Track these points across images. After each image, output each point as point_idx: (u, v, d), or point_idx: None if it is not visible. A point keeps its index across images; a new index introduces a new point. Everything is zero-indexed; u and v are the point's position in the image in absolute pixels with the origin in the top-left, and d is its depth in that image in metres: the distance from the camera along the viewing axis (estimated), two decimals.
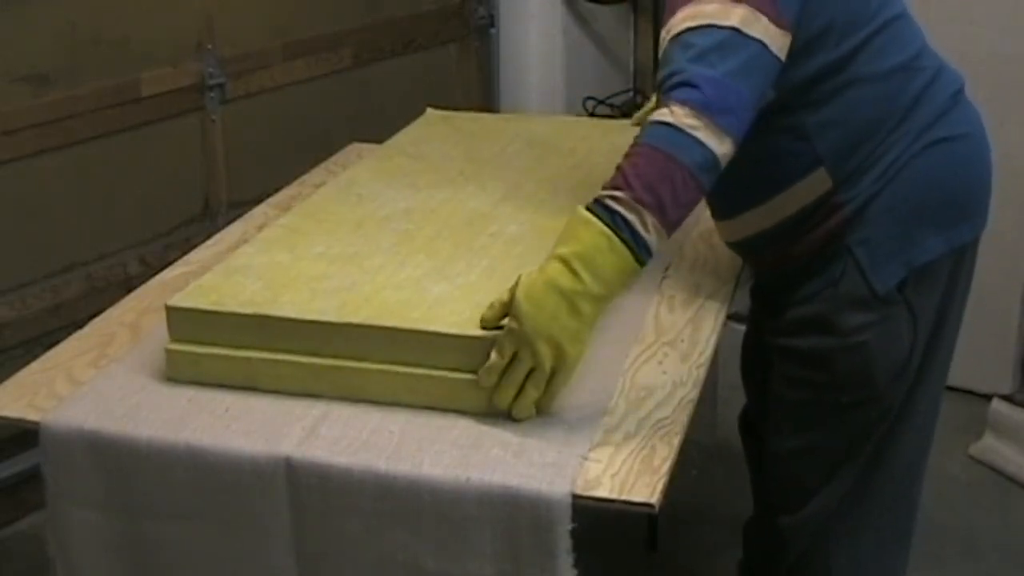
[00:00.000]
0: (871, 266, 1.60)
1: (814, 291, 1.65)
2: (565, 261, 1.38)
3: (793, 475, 1.77)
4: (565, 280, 1.38)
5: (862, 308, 1.61)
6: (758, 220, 1.67)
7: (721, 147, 1.42)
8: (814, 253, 1.63)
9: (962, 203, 1.68)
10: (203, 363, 1.57)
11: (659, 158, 1.40)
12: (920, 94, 1.61)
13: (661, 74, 1.46)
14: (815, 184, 1.61)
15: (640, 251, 1.39)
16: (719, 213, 1.76)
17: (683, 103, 1.41)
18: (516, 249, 1.74)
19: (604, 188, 1.41)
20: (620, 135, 2.25)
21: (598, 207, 1.40)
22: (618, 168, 1.42)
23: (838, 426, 1.70)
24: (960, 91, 1.68)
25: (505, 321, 1.40)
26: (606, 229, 1.38)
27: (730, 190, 1.60)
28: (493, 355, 1.41)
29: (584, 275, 1.38)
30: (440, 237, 1.80)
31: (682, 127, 1.40)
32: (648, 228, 1.39)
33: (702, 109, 1.40)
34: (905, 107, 1.60)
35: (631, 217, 1.39)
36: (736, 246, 1.78)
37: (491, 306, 1.43)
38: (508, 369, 1.41)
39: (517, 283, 1.41)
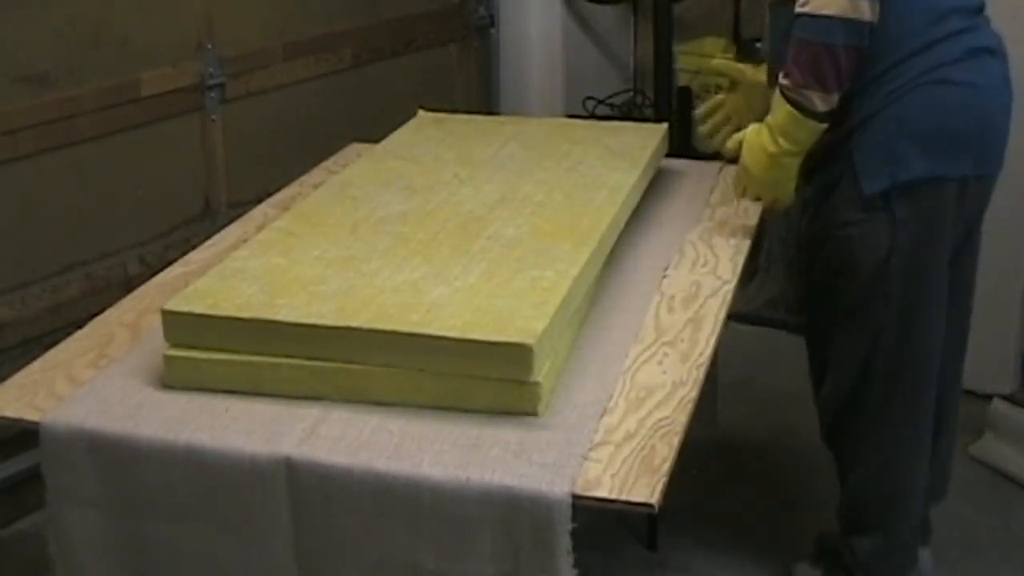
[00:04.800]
0: (863, 172, 1.91)
1: (820, 185, 1.98)
2: (769, 128, 1.91)
3: (815, 354, 2.13)
4: (770, 146, 1.91)
5: (851, 207, 1.93)
6: None
7: (857, 13, 1.78)
8: (825, 154, 1.94)
9: (953, 139, 1.90)
10: (202, 368, 1.57)
11: (793, 44, 1.83)
12: (938, 40, 1.87)
13: None
14: None
15: (816, 117, 1.85)
16: None
17: None
18: (514, 252, 1.74)
19: (781, 74, 1.86)
20: (614, 137, 2.25)
21: (780, 88, 1.86)
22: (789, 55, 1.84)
23: (840, 311, 2.01)
24: (984, 50, 1.92)
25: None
26: (787, 106, 1.86)
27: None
28: (736, 187, 2.04)
29: (782, 142, 1.89)
30: (437, 240, 1.80)
31: (818, 14, 1.79)
32: (812, 100, 1.83)
33: None
34: (922, 45, 1.86)
35: (798, 98, 1.84)
36: None
37: (735, 139, 2.00)
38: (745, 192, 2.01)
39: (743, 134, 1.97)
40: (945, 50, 1.87)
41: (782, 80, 1.86)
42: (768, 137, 1.91)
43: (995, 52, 1.93)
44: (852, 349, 2.03)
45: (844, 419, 2.10)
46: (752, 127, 1.97)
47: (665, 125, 2.33)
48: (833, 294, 2.02)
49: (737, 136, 2.02)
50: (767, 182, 1.96)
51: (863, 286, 1.96)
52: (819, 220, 2.00)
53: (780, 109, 1.88)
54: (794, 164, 1.92)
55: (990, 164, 1.97)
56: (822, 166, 1.96)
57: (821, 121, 1.86)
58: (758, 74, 2.25)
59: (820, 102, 1.84)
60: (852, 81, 1.84)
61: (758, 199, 2.04)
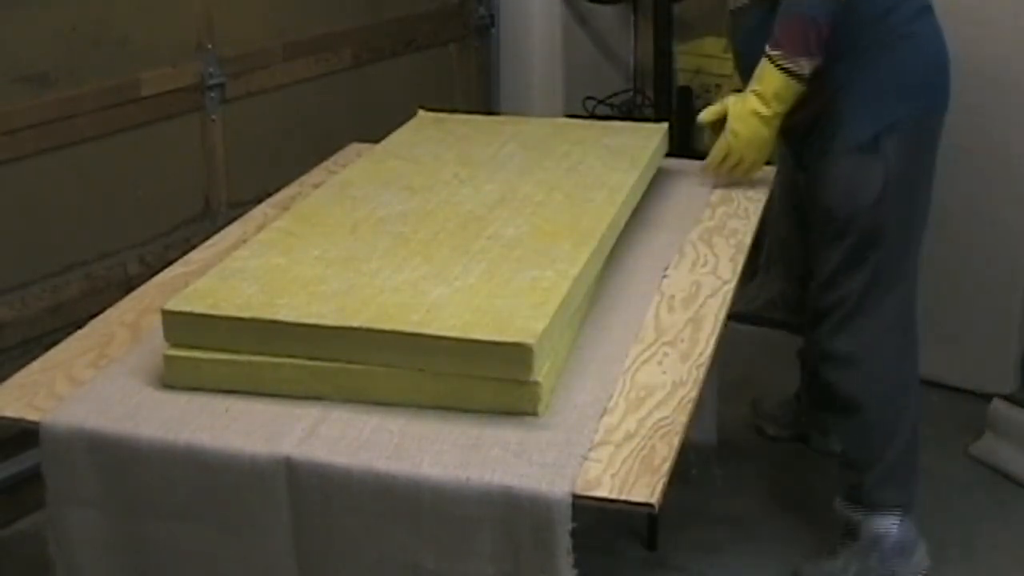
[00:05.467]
0: (854, 123, 2.20)
1: (817, 138, 2.23)
2: (761, 97, 2.14)
3: (824, 271, 2.30)
4: (763, 109, 2.15)
5: (847, 156, 2.20)
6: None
7: None
8: (817, 112, 2.19)
9: (923, 82, 2.26)
10: (202, 368, 1.57)
11: (786, 18, 2.11)
12: (896, 5, 2.21)
13: None
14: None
15: (802, 80, 2.12)
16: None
17: None
18: (515, 252, 1.74)
19: (770, 48, 2.12)
20: (614, 137, 2.25)
21: (770, 61, 2.12)
22: (773, 31, 2.12)
23: (842, 238, 2.25)
24: (928, 8, 2.26)
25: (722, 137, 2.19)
26: (780, 73, 2.12)
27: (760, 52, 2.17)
28: (715, 156, 2.22)
29: (774, 104, 2.14)
30: (437, 240, 1.80)
31: None
32: (801, 65, 2.11)
33: None
34: (883, 10, 2.19)
35: (791, 66, 2.11)
36: None
37: (711, 108, 2.23)
38: (722, 164, 2.22)
39: (728, 102, 2.19)
40: (903, 11, 2.21)
41: (773, 51, 2.12)
42: (758, 102, 2.15)
43: (932, 9, 2.28)
44: (851, 275, 2.27)
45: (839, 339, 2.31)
46: (732, 98, 2.19)
47: (665, 125, 2.33)
48: (835, 238, 2.26)
49: (713, 108, 2.23)
50: (756, 144, 2.19)
51: (862, 225, 2.22)
52: (813, 175, 2.27)
53: (771, 77, 2.13)
54: (778, 124, 2.18)
55: (946, 100, 2.31)
56: (814, 126, 2.21)
57: (806, 84, 2.14)
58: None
59: (807, 67, 2.12)
60: (827, 48, 2.13)
61: (734, 168, 2.23)
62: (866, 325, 2.28)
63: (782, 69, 2.12)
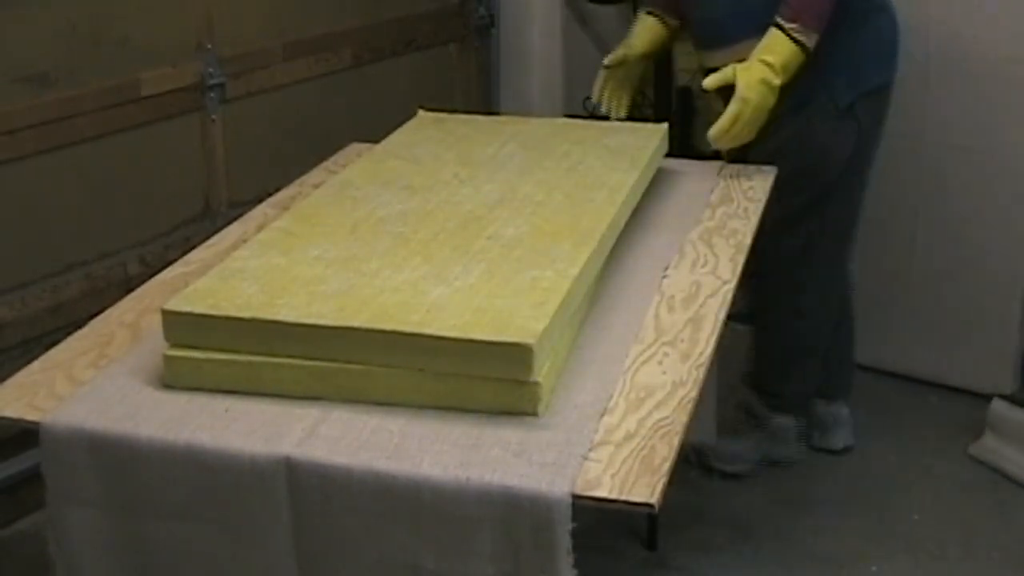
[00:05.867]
0: (835, 88, 2.38)
1: (792, 103, 2.33)
2: (771, 66, 2.23)
3: (774, 224, 2.35)
4: (775, 79, 2.24)
5: (825, 118, 2.40)
6: (745, 49, 2.32)
7: None
8: (797, 77, 2.29)
9: (890, 51, 2.48)
10: (202, 368, 1.56)
11: None
12: None
13: None
14: None
15: (808, 52, 2.25)
16: (727, 40, 2.41)
17: None
18: (515, 252, 1.74)
19: (784, 19, 2.24)
20: (614, 137, 2.25)
21: (784, 32, 2.24)
22: (788, 3, 2.25)
23: (804, 190, 2.47)
24: None
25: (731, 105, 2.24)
26: (794, 45, 2.24)
27: (740, 21, 2.34)
28: (724, 123, 2.24)
29: (782, 75, 2.24)
30: (437, 240, 1.79)
31: None
32: (812, 38, 2.25)
33: None
34: None
35: (803, 38, 2.24)
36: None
37: (717, 75, 2.28)
38: (728, 131, 2.25)
39: (737, 70, 2.25)
40: None
41: (789, 24, 2.24)
42: (769, 71, 2.23)
43: None
44: (804, 220, 2.51)
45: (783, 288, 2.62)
46: (737, 67, 2.25)
47: (665, 125, 2.33)
48: (798, 189, 2.44)
49: (717, 76, 2.29)
50: (762, 111, 2.26)
51: (829, 181, 2.44)
52: (789, 131, 2.38)
53: (784, 47, 2.24)
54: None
55: (897, 60, 2.53)
56: (792, 88, 2.31)
57: (809, 56, 2.27)
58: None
59: (816, 39, 2.25)
60: None
61: (739, 134, 2.29)
62: (807, 274, 2.56)
63: (795, 41, 2.23)
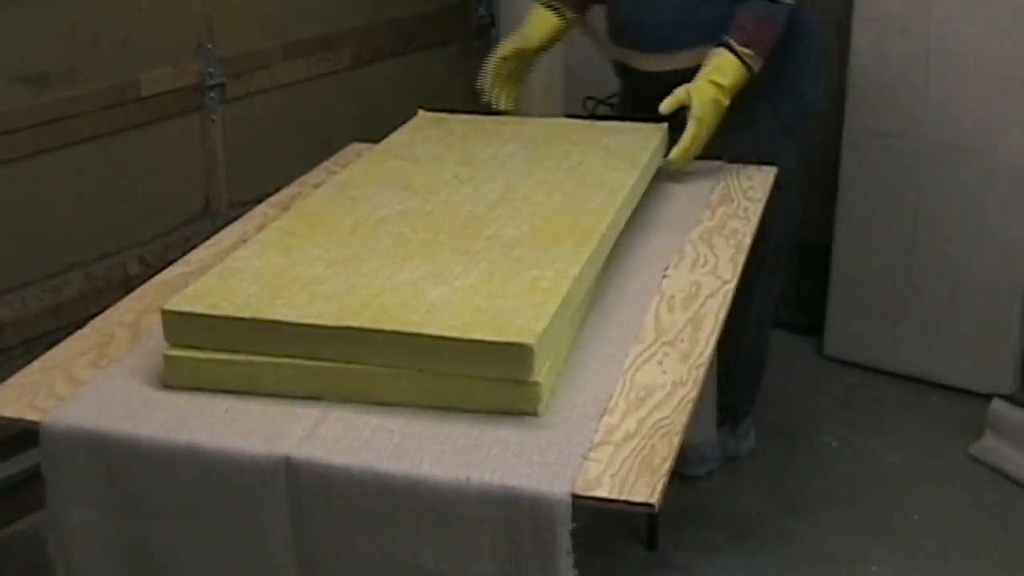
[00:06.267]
0: (781, 108, 2.49)
1: (740, 120, 2.34)
2: (721, 87, 2.27)
3: None
4: (725, 100, 2.28)
5: (771, 134, 2.49)
6: (691, 57, 2.37)
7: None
8: (742, 96, 2.33)
9: (816, 72, 2.60)
10: (202, 368, 1.56)
11: (766, 22, 2.32)
12: (797, 7, 2.43)
13: None
14: None
15: (755, 75, 2.32)
16: (666, 47, 2.45)
17: None
18: (515, 252, 1.74)
19: (737, 42, 2.29)
20: (613, 137, 2.25)
21: (736, 55, 2.29)
22: (743, 28, 2.30)
23: None
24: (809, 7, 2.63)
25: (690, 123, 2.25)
26: (744, 69, 2.30)
27: (684, 32, 2.39)
28: (688, 145, 2.25)
29: (730, 96, 2.28)
30: (436, 240, 1.79)
31: (787, 2, 2.36)
32: (759, 63, 2.32)
33: None
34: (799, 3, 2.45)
35: (753, 63, 2.30)
36: (671, 74, 2.37)
37: (672, 98, 2.26)
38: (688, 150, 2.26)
39: (691, 91, 2.26)
40: (801, 11, 2.47)
41: (743, 48, 2.29)
42: (719, 92, 2.27)
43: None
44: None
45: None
46: (690, 88, 2.27)
47: (665, 125, 2.33)
48: None
49: (672, 100, 2.27)
50: (713, 130, 2.29)
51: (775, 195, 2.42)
52: (736, 148, 2.38)
53: (735, 70, 2.29)
54: None
55: None
56: (737, 106, 2.34)
57: (754, 78, 2.34)
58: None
59: (760, 64, 2.32)
60: None
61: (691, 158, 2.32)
62: (760, 284, 2.59)
63: (746, 65, 2.29)
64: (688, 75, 2.32)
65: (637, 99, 2.56)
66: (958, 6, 2.86)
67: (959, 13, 2.86)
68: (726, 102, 2.28)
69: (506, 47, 2.54)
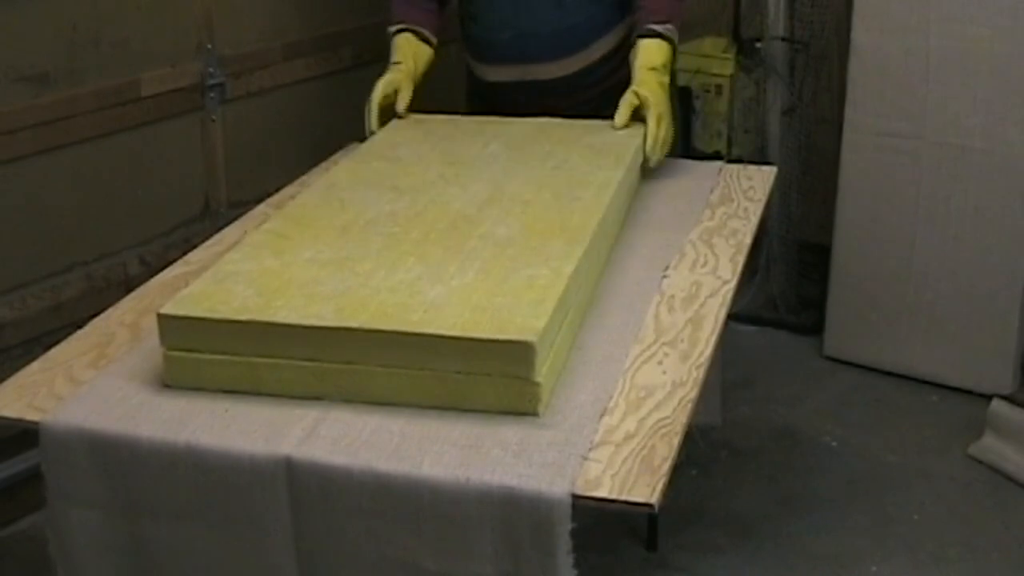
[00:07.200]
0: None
1: (617, 80, 2.34)
2: (657, 70, 2.30)
3: None
4: (665, 79, 2.31)
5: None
6: (601, 48, 2.46)
7: None
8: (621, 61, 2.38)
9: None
10: (202, 369, 1.56)
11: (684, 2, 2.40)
12: None
13: None
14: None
15: (675, 45, 2.37)
16: (572, 47, 2.46)
17: None
18: (508, 251, 1.74)
19: (657, 24, 2.33)
20: (596, 135, 2.24)
21: (658, 35, 2.33)
22: (657, 10, 2.34)
23: None
24: None
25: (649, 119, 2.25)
26: (668, 45, 2.34)
27: (595, 25, 2.44)
28: (652, 142, 2.23)
29: (665, 72, 2.32)
30: (429, 240, 1.79)
31: None
32: (677, 36, 2.36)
33: None
34: None
35: (673, 36, 2.35)
36: (574, 76, 2.47)
37: (624, 107, 2.26)
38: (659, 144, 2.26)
39: (639, 92, 2.27)
40: None
41: (668, 28, 2.34)
42: (659, 75, 2.30)
43: None
44: None
45: None
46: (636, 90, 2.27)
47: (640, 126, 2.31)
48: None
49: (625, 110, 2.26)
50: (671, 110, 2.32)
51: None
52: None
53: (663, 50, 2.33)
54: None
55: None
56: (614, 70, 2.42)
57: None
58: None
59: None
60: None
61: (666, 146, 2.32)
62: None
63: (670, 41, 2.34)
64: (600, 68, 2.43)
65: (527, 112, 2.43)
66: (958, 6, 2.86)
67: (959, 13, 2.86)
68: (667, 80, 2.32)
69: (382, 89, 2.40)
